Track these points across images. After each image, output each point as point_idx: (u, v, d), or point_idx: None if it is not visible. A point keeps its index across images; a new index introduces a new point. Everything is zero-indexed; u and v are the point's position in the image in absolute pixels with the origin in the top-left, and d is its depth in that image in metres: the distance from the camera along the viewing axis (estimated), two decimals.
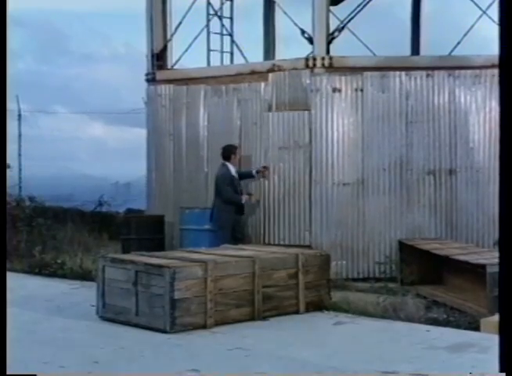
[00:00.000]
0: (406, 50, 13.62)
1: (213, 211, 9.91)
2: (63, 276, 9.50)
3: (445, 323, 6.85)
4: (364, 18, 12.09)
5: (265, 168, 10.07)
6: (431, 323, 6.82)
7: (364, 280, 9.60)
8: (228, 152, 10.03)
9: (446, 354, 5.71)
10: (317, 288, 7.60)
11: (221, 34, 12.39)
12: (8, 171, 13.97)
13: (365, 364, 5.43)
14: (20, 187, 17.09)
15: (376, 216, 9.87)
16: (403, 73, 9.90)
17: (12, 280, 9.02)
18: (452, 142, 9.94)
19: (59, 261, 9.90)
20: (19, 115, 20.20)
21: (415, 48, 14.08)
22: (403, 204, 9.90)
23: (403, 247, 9.52)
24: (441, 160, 9.91)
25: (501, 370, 3.00)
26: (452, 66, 10.01)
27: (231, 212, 9.76)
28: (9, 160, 9.66)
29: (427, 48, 13.60)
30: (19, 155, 19.42)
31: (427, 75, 9.88)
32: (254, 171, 10.12)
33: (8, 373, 3.70)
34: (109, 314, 7.03)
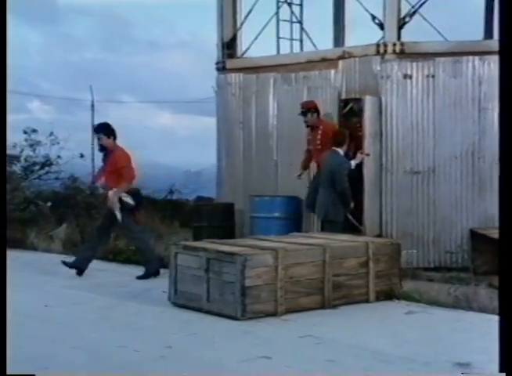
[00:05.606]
0: (479, 34, 13.33)
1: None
2: (136, 263, 9.67)
3: None
4: (436, 1, 11.85)
5: (367, 154, 9.51)
6: None
7: (435, 269, 9.49)
8: (342, 138, 9.21)
9: None
10: (388, 277, 7.56)
11: (291, 22, 12.38)
12: (81, 160, 14.30)
13: (437, 355, 5.38)
14: (93, 176, 17.47)
15: (448, 205, 9.74)
16: (476, 58, 9.71)
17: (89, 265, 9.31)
18: None
19: (132, 247, 10.09)
20: (93, 105, 20.63)
21: (488, 31, 13.76)
22: (475, 193, 9.74)
23: (475, 236, 9.37)
24: None
25: (501, 370, 2.97)
26: None
27: (344, 206, 9.04)
28: (82, 150, 9.93)
29: None
30: (92, 145, 19.85)
31: None
32: (353, 163, 9.30)
33: (8, 373, 3.74)
34: (181, 300, 7.15)
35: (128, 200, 8.94)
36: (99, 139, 9.14)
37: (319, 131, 9.78)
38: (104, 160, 9.26)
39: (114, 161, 8.98)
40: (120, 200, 8.89)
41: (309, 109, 9.83)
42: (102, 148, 9.18)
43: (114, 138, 9.13)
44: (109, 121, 9.30)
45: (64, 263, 9.05)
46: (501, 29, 3.08)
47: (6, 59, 3.89)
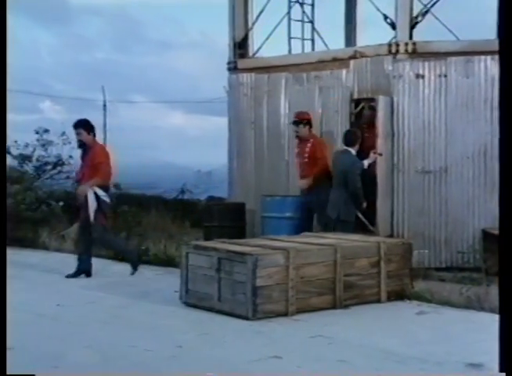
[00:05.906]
0: (492, 33, 13.26)
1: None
2: (148, 263, 9.70)
3: None
4: (448, 1, 11.79)
5: (380, 154, 9.41)
6: None
7: (446, 269, 9.45)
8: (354, 137, 9.13)
9: None
10: (399, 277, 7.54)
11: (302, 21, 12.37)
12: None
13: (448, 355, 5.37)
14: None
15: (460, 205, 9.70)
16: (488, 57, 9.65)
17: (99, 265, 9.35)
18: None
19: (143, 247, 10.12)
20: (105, 105, 20.66)
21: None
22: (487, 193, 9.68)
23: (487, 236, 9.32)
24: None
25: (501, 370, 2.96)
26: None
27: (357, 206, 9.02)
28: None
29: None
30: (104, 144, 19.90)
31: None
32: (366, 163, 9.23)
33: (8, 373, 3.74)
34: (193, 300, 7.17)
35: (106, 199, 8.90)
36: (78, 134, 9.06)
37: (308, 144, 9.65)
38: (83, 156, 9.21)
39: (93, 157, 8.96)
40: (98, 198, 8.81)
41: (302, 120, 9.74)
42: (82, 144, 9.13)
43: (94, 134, 9.12)
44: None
45: (70, 276, 8.92)
46: (501, 29, 3.07)
47: (6, 59, 3.90)
